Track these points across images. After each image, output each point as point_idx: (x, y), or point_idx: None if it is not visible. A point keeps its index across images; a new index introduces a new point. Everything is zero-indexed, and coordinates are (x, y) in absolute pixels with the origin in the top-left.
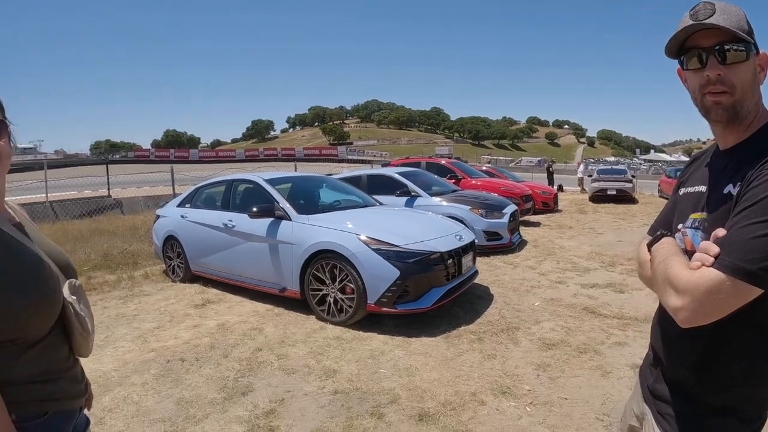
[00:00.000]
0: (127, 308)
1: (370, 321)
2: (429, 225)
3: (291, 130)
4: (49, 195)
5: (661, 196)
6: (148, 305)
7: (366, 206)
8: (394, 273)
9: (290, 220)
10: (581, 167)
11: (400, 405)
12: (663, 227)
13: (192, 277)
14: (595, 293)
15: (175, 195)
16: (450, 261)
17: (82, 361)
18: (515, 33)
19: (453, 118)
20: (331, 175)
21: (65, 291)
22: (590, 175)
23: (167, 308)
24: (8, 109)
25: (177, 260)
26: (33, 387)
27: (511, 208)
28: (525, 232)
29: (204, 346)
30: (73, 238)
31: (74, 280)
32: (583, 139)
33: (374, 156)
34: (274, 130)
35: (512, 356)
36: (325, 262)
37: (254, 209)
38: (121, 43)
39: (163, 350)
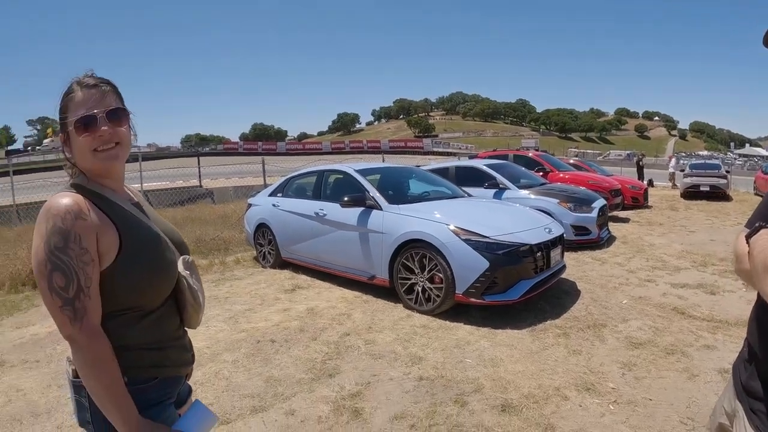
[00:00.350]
0: (219, 291)
1: (457, 311)
2: (518, 217)
3: (376, 122)
4: (144, 185)
5: (756, 194)
6: (240, 288)
7: (455, 197)
8: (483, 264)
9: (381, 209)
10: (673, 161)
11: (483, 394)
12: (761, 219)
13: (282, 263)
14: (685, 293)
15: (265, 185)
16: (539, 254)
17: None
18: (602, 24)
19: (539, 110)
20: (419, 166)
21: (179, 266)
22: (682, 170)
23: (258, 292)
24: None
25: (268, 247)
26: (146, 353)
27: (600, 202)
28: (614, 227)
29: (293, 329)
30: None
31: (187, 256)
32: (674, 132)
33: (459, 148)
34: (360, 123)
35: (598, 353)
36: (415, 252)
37: (345, 199)
38: (208, 37)
39: (254, 331)
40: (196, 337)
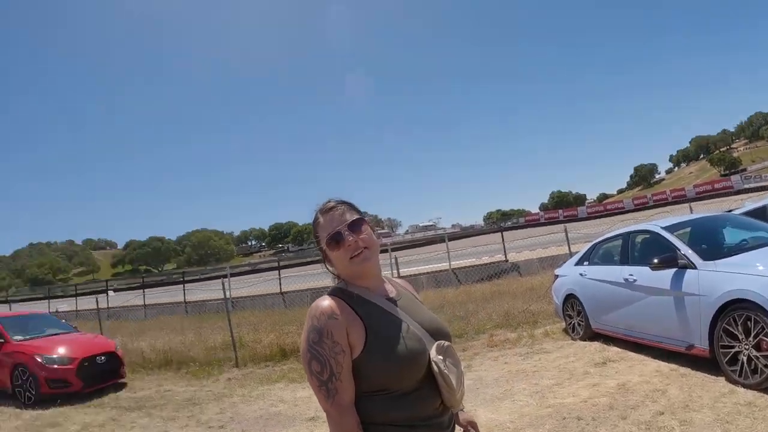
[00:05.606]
0: (527, 364)
1: None
2: None
3: (676, 168)
4: (451, 263)
5: None
6: (548, 362)
7: None
8: None
9: (695, 268)
10: None
11: None
12: None
13: (592, 335)
14: None
15: (570, 254)
16: None
17: (480, 411)
18: None
19: None
20: (731, 211)
21: (432, 352)
22: None
23: (567, 366)
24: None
25: (577, 318)
26: (391, 429)
27: None
28: None
29: (602, 406)
30: (475, 299)
31: (443, 341)
32: None
33: None
34: (659, 173)
35: None
36: (738, 314)
37: (655, 260)
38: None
39: (560, 407)
40: (500, 410)
